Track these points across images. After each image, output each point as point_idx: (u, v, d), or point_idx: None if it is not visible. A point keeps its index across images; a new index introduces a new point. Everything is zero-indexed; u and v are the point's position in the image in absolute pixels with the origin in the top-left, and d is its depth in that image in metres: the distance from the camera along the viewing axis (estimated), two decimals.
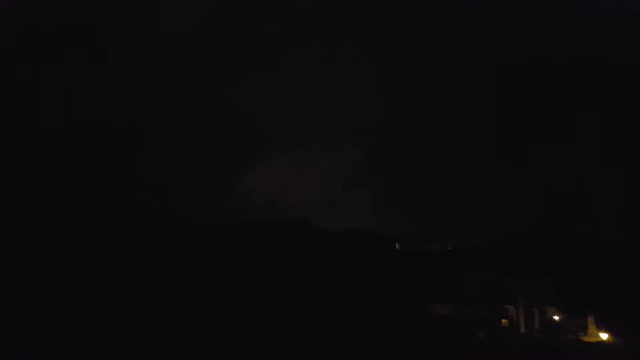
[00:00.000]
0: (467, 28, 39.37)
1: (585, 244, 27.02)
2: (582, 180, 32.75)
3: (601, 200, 30.83)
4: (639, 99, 32.93)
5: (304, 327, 24.48)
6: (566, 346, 24.59)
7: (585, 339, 25.44)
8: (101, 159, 34.04)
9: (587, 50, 34.73)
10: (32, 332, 21.76)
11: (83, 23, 38.54)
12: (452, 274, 29.71)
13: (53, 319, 22.81)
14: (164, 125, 38.64)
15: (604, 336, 24.81)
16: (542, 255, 27.78)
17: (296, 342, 23.15)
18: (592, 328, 25.74)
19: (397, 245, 34.69)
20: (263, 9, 41.17)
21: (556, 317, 27.09)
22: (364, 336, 23.73)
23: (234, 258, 28.31)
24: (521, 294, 27.97)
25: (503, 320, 27.69)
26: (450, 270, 29.93)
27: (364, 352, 22.43)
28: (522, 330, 27.47)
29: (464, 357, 22.44)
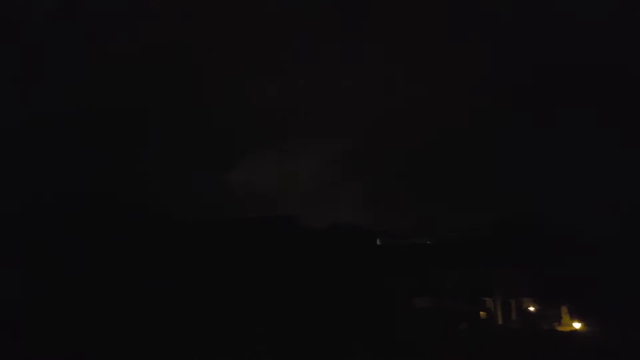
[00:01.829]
0: (457, 26, 40.01)
1: (559, 237, 28.19)
2: (556, 174, 33.92)
3: (575, 193, 32.01)
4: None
5: (287, 322, 24.85)
6: (541, 335, 25.66)
7: (560, 328, 26.52)
8: (84, 156, 33.47)
9: (583, 51, 35.74)
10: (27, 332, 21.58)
11: (69, 18, 37.87)
12: (432, 268, 30.39)
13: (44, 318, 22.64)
14: (147, 121, 38.22)
15: (577, 325, 25.99)
16: (518, 248, 28.80)
17: (280, 338, 23.49)
18: (565, 318, 26.85)
19: (378, 240, 35.25)
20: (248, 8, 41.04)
21: (532, 308, 28.13)
22: (345, 329, 24.23)
23: (217, 255, 28.40)
24: (498, 286, 28.86)
25: (481, 313, 28.60)
26: (430, 264, 30.60)
27: (345, 345, 22.89)
28: (500, 321, 28.40)
29: (445, 349, 23.12)
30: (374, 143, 41.60)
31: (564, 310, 27.05)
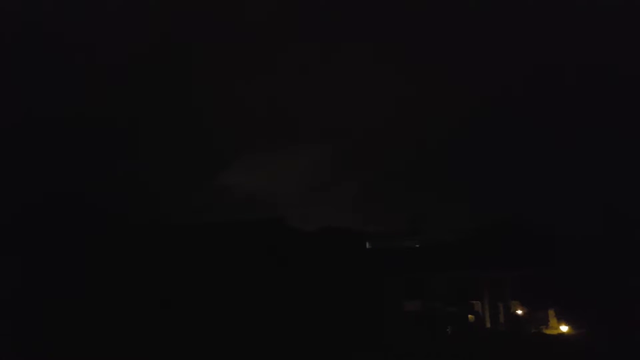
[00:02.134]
0: (448, 29, 40.23)
1: (547, 240, 28.35)
2: (544, 178, 34.16)
3: (562, 197, 32.23)
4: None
5: (277, 324, 24.85)
6: (529, 338, 25.78)
7: (547, 331, 26.67)
8: (71, 158, 33.31)
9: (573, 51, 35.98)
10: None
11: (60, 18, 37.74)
12: (420, 270, 30.43)
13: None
14: (137, 124, 38.13)
15: (564, 328, 26.12)
16: (506, 251, 28.94)
17: (269, 340, 23.48)
18: (553, 321, 27.00)
19: (367, 243, 35.28)
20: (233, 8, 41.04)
21: (519, 311, 28.26)
22: (334, 332, 24.25)
23: (208, 257, 28.31)
24: (486, 289, 28.96)
25: (469, 316, 28.67)
26: (418, 267, 30.65)
27: (334, 347, 22.92)
28: (488, 324, 28.49)
29: (433, 352, 23.19)
30: (365, 145, 41.80)
31: (552, 313, 27.22)
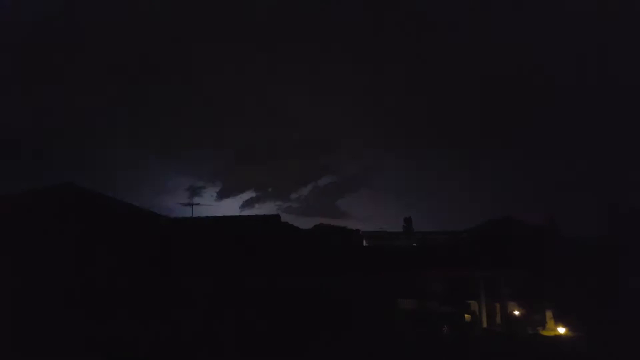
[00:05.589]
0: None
1: (545, 242, 28.16)
2: (540, 178, 34.06)
3: (559, 198, 32.15)
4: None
5: (271, 321, 24.68)
6: (526, 339, 25.55)
7: (544, 332, 26.44)
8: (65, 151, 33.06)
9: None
10: None
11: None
12: (417, 269, 30.15)
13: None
14: (140, 119, 37.98)
15: (561, 330, 25.90)
16: (504, 251, 28.70)
17: (263, 337, 23.33)
18: (550, 322, 26.80)
19: (365, 240, 35.13)
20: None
21: (516, 312, 28.04)
22: (328, 331, 24.06)
23: (205, 252, 28.10)
24: (483, 289, 28.69)
25: (466, 315, 28.41)
26: (416, 266, 30.37)
27: (328, 346, 22.73)
28: (484, 324, 28.24)
29: (428, 351, 22.99)
30: (361, 144, 41.71)
31: (549, 314, 26.98)
